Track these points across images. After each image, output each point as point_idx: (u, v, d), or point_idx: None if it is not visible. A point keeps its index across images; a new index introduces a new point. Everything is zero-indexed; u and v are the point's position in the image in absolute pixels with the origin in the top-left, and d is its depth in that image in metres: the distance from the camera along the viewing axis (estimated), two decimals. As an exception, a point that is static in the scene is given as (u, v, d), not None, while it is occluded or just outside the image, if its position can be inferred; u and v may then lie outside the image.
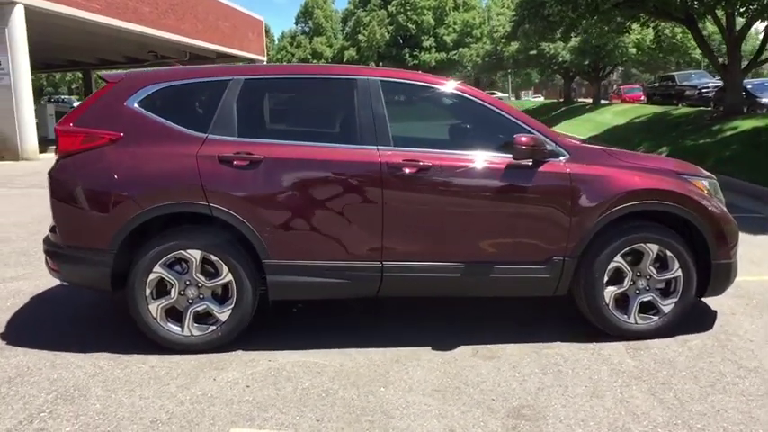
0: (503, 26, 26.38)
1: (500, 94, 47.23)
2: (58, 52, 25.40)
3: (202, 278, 3.48)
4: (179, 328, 3.50)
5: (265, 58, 31.29)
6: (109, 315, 4.19)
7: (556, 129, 24.40)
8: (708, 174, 4.08)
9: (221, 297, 3.54)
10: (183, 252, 3.44)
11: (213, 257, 3.46)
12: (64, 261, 3.52)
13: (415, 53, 44.98)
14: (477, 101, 3.74)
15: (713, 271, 3.74)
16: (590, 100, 28.78)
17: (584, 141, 4.58)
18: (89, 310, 4.27)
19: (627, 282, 3.71)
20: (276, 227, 3.45)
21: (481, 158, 3.60)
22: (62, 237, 3.50)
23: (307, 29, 52.27)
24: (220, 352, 3.53)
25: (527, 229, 3.60)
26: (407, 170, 3.48)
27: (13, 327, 3.97)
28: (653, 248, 3.67)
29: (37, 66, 27.47)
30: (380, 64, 46.11)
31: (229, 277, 3.48)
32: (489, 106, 3.73)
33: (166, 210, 3.40)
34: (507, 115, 3.71)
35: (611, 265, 3.67)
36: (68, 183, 3.46)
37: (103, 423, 2.78)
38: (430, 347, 3.62)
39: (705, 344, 3.68)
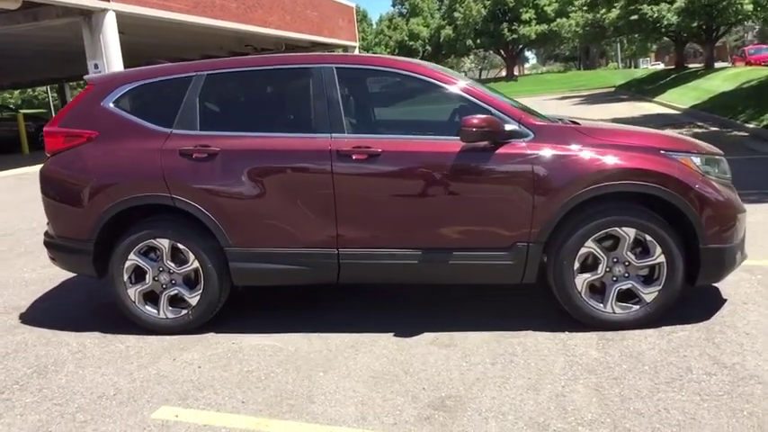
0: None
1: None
2: (165, 51, 27.39)
3: (173, 265, 3.71)
4: (155, 311, 3.77)
5: (357, 44, 31.71)
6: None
7: (659, 98, 22.68)
8: (709, 149, 3.66)
9: (193, 283, 3.75)
10: (153, 241, 3.69)
11: (180, 246, 3.67)
12: (57, 250, 3.91)
13: (513, 27, 43.40)
14: (436, 82, 3.61)
15: (702, 256, 3.38)
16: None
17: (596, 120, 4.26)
18: (103, 294, 4.68)
19: (602, 268, 3.45)
20: (234, 216, 3.59)
21: (437, 142, 3.49)
22: (53, 228, 3.88)
23: (404, 11, 52.19)
24: (195, 334, 3.76)
25: (486, 213, 3.45)
26: (356, 156, 3.47)
27: (35, 306, 4.48)
28: (629, 233, 3.38)
29: (151, 65, 29.82)
30: (478, 41, 45.09)
31: (196, 264, 3.68)
32: (448, 87, 3.59)
33: (135, 202, 3.66)
34: (467, 96, 3.55)
35: (583, 250, 3.42)
36: (53, 179, 3.83)
37: (58, 396, 3.09)
38: (392, 333, 3.61)
39: (690, 336, 3.34)
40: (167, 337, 3.73)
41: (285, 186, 3.56)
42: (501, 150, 3.41)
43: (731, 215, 3.41)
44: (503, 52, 48.85)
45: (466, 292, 4.17)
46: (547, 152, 3.39)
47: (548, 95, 34.50)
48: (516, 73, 61.38)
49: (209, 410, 2.87)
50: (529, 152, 3.39)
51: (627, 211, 3.39)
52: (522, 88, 39.80)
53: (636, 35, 28.79)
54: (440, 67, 3.96)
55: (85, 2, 12.87)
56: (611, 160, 3.35)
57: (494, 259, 3.49)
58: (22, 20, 13.70)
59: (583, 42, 41.57)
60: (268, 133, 3.63)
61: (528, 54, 73.13)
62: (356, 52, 31.24)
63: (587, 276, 3.46)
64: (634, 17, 24.62)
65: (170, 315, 3.75)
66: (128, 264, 3.72)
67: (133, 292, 3.75)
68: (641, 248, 3.43)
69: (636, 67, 60.69)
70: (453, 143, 3.44)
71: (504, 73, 50.63)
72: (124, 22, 14.92)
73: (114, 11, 13.50)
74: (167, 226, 3.69)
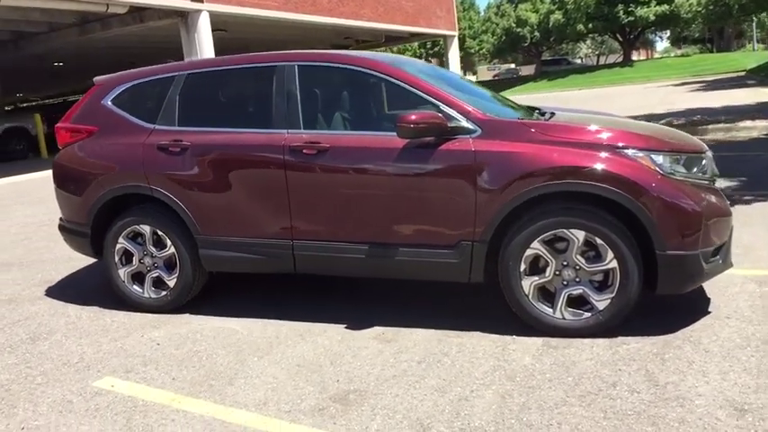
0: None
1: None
2: (267, 46, 28.76)
3: (154, 249, 4.05)
4: (141, 291, 4.13)
5: (456, 33, 31.35)
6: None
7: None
8: (685, 147, 3.35)
9: (172, 266, 4.06)
10: (137, 227, 4.04)
11: (160, 232, 4.00)
12: (66, 233, 4.41)
13: (630, 9, 40.55)
14: (389, 78, 3.60)
15: (659, 263, 3.12)
16: None
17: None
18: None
19: (550, 272, 3.29)
20: (202, 205, 3.85)
21: (384, 138, 3.50)
22: (62, 213, 4.38)
23: (513, -3, 50.58)
24: (175, 313, 4.08)
25: (430, 210, 3.41)
26: (306, 152, 3.57)
27: (63, 281, 5.05)
28: (578, 235, 3.20)
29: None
30: (590, 25, 42.77)
31: (173, 250, 3.99)
32: (401, 84, 3.57)
33: (121, 191, 4.03)
34: (419, 92, 3.52)
35: (529, 252, 3.29)
36: (61, 169, 4.31)
37: (34, 360, 3.52)
38: (345, 325, 3.69)
39: (641, 349, 3.11)
40: (150, 315, 4.08)
41: (245, 179, 3.75)
42: (444, 147, 3.35)
43: (696, 219, 3.11)
44: (619, 36, 45.89)
45: (451, 289, 4.10)
46: (491, 149, 3.28)
47: (664, 81, 31.99)
48: (643, 57, 57.24)
49: (141, 384, 3.14)
50: (473, 149, 3.30)
51: (575, 211, 3.20)
52: (636, 74, 37.27)
53: (765, 13, 25.81)
54: (403, 59, 3.95)
55: (181, 3, 13.95)
56: (555, 158, 3.17)
57: (439, 257, 3.45)
58: (131, 22, 15.14)
59: (707, 23, 37.93)
60: (233, 129, 3.84)
61: (655, 37, 67.93)
62: (455, 41, 30.94)
63: (535, 279, 3.32)
64: (761, -6, 22.14)
65: (153, 295, 4.10)
66: (118, 246, 4.11)
67: (123, 273, 4.14)
68: (594, 252, 3.23)
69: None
70: (399, 139, 3.43)
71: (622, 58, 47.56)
72: (226, 21, 15.99)
73: (208, 11, 14.49)
74: (148, 213, 4.02)
